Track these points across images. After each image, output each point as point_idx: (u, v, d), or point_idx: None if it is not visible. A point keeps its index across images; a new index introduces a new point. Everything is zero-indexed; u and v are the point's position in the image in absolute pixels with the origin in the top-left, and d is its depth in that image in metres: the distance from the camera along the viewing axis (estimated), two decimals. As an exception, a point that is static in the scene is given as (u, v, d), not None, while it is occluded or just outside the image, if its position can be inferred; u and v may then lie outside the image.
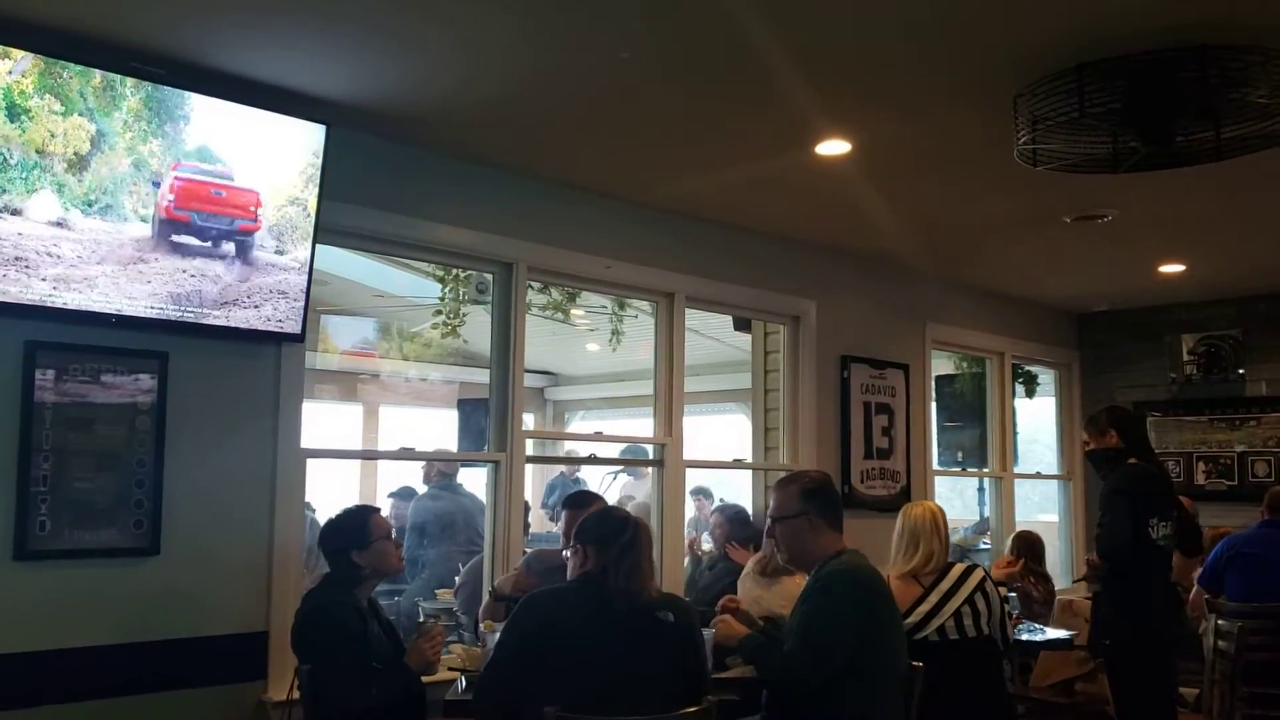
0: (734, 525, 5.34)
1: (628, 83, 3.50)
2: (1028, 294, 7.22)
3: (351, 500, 6.20)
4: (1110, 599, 4.23)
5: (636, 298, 5.70)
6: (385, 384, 8.40)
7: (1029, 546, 5.58)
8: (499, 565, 4.36)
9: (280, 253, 3.59)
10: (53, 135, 3.09)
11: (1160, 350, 7.46)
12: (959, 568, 3.86)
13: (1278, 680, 4.79)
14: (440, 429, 8.25)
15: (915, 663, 3.12)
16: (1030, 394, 7.82)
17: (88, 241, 3.18)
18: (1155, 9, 2.94)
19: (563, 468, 8.62)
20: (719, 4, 2.91)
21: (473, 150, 4.26)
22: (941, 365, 7.38)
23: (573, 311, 6.94)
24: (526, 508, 5.14)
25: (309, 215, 3.62)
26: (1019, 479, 7.33)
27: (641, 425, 5.48)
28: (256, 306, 3.55)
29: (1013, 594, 5.01)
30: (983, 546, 7.46)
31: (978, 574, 3.84)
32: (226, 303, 3.49)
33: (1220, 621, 4.67)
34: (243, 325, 3.53)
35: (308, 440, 3.90)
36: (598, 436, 5.40)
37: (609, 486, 7.50)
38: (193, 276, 3.40)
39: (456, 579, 5.48)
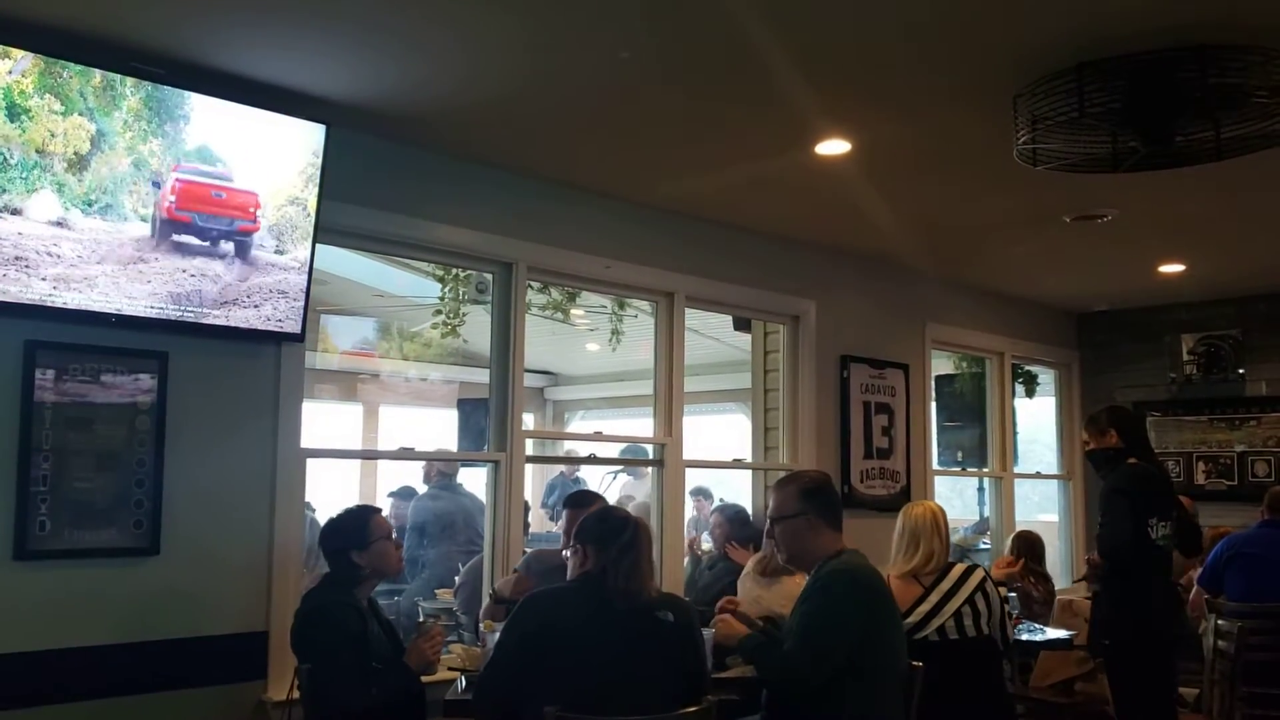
0: (734, 525, 5.35)
1: (628, 83, 3.50)
2: (1027, 294, 7.22)
3: (351, 500, 6.20)
4: (1110, 599, 4.23)
5: (636, 297, 5.70)
6: (385, 384, 8.41)
7: (1029, 546, 5.58)
8: (499, 565, 4.36)
9: (280, 252, 3.59)
10: (53, 135, 3.08)
11: (1160, 350, 7.46)
12: (960, 568, 3.86)
13: (1277, 680, 4.79)
14: (440, 429, 8.26)
15: (915, 662, 3.12)
16: (1030, 394, 7.82)
17: (88, 241, 3.18)
18: (1155, 9, 2.94)
19: (563, 468, 8.63)
20: (719, 4, 2.91)
21: (473, 150, 4.26)
22: (941, 365, 7.38)
23: (572, 311, 6.94)
24: (526, 508, 5.15)
25: (309, 215, 3.62)
26: (1019, 479, 7.33)
27: (641, 425, 5.48)
28: (256, 306, 3.55)
29: (1012, 594, 5.02)
30: (982, 546, 7.46)
31: (978, 574, 3.84)
32: (226, 302, 3.48)
33: (1220, 621, 4.67)
34: (242, 325, 3.53)
35: (308, 440, 3.90)
36: (597, 436, 5.40)
37: (608, 486, 7.51)
38: (192, 276, 3.40)
39: (456, 579, 5.49)
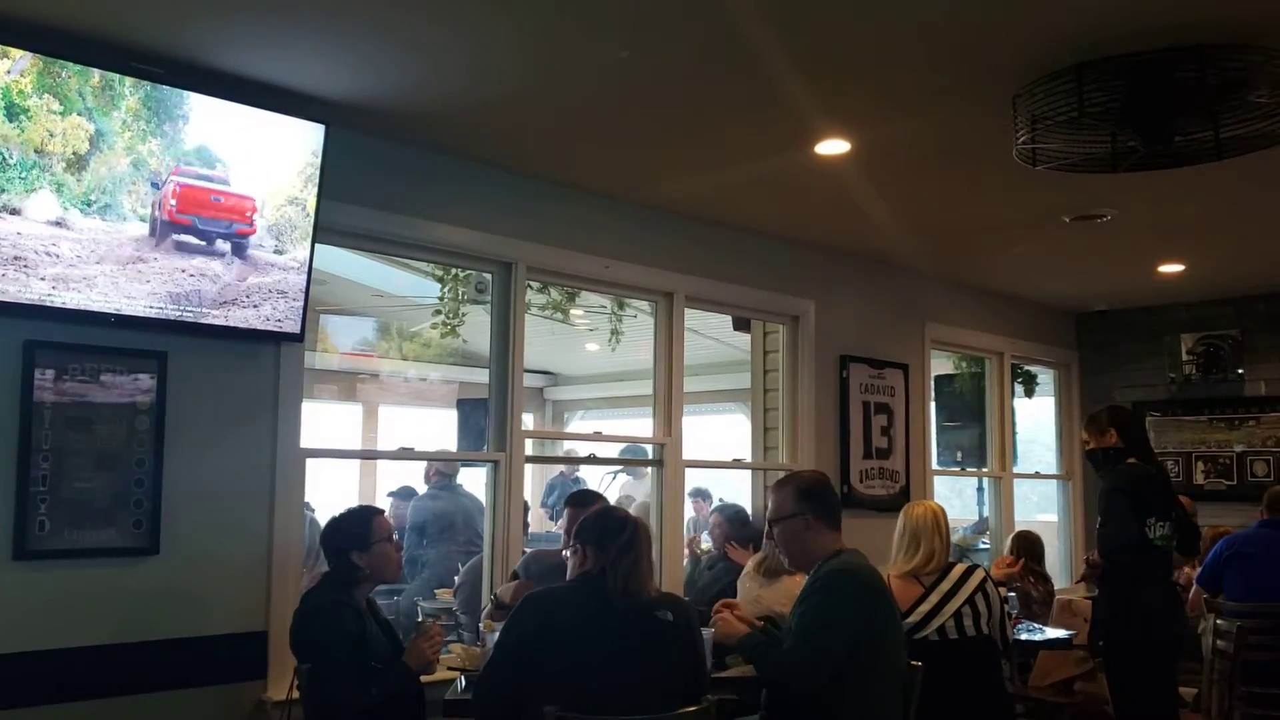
0: (733, 525, 5.35)
1: (628, 83, 3.50)
2: (1027, 294, 7.22)
3: (351, 500, 6.20)
4: (1110, 598, 4.23)
5: (636, 297, 5.70)
6: (385, 384, 8.41)
7: (1028, 546, 5.58)
8: (498, 565, 4.36)
9: (279, 252, 3.59)
10: (51, 135, 3.08)
11: (1159, 350, 7.46)
12: (960, 568, 3.86)
13: (1277, 680, 4.79)
14: (440, 429, 8.27)
15: (915, 662, 3.12)
16: (1029, 394, 7.82)
17: (86, 241, 3.18)
18: (1155, 9, 2.94)
19: (562, 468, 8.64)
20: (719, 4, 2.91)
21: (472, 150, 4.26)
22: (941, 365, 7.37)
23: (572, 311, 6.94)
24: (526, 508, 5.15)
25: (308, 215, 3.62)
26: (1018, 479, 7.33)
27: (641, 425, 5.48)
28: (256, 306, 3.55)
29: (1012, 594, 5.02)
30: (982, 546, 7.46)
31: (979, 575, 3.84)
32: (225, 302, 3.48)
33: (1219, 621, 4.67)
34: (242, 325, 3.53)
35: (307, 440, 3.89)
36: (597, 436, 5.40)
37: (608, 486, 7.52)
38: (191, 276, 3.40)
39: (456, 579, 5.49)
